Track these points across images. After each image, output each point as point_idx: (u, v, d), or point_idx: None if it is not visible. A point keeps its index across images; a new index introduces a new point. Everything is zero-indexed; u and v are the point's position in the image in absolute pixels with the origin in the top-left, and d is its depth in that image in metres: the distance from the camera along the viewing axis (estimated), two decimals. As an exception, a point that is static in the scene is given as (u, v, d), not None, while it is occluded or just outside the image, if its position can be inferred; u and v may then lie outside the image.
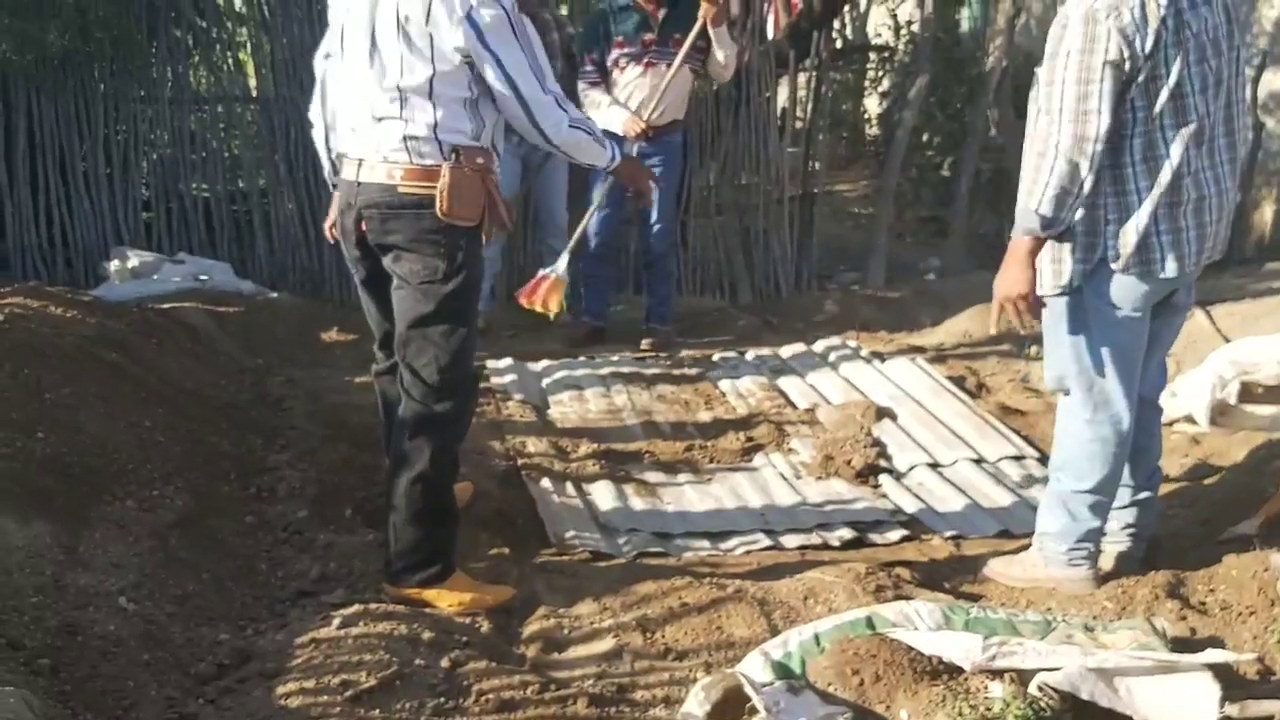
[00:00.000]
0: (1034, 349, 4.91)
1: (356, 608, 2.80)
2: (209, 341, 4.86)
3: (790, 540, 3.52)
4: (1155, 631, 2.54)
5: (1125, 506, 3.18)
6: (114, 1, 5.82)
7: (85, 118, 5.98)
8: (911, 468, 4.07)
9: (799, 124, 7.26)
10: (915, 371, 4.93)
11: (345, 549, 3.23)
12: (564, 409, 4.63)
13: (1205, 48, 2.79)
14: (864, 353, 5.27)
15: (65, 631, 2.49)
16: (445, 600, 2.93)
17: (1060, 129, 2.77)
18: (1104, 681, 2.21)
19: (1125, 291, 2.90)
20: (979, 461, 4.12)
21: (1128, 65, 2.73)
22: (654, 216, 5.43)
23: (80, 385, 3.58)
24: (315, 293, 6.18)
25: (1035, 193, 2.80)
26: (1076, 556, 3.08)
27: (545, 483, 3.81)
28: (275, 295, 5.83)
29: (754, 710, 2.22)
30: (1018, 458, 4.13)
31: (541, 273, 3.92)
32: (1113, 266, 2.87)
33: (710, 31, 4.97)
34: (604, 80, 5.18)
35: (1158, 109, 2.77)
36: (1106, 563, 3.16)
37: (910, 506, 3.77)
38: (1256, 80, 7.42)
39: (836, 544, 3.50)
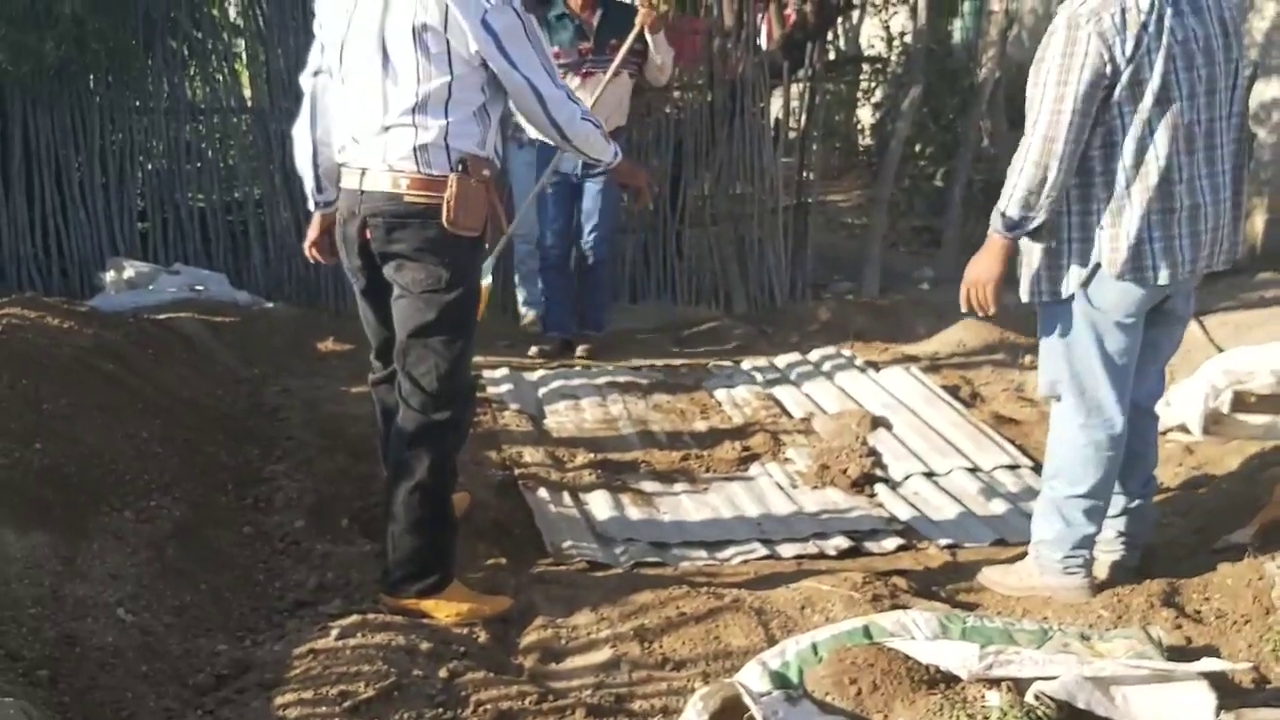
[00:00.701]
0: (1029, 358, 4.93)
1: (354, 618, 2.80)
2: (205, 352, 4.86)
3: (787, 550, 3.53)
4: (1151, 640, 2.56)
5: (1119, 514, 3.20)
6: (110, 13, 5.82)
7: (81, 128, 5.98)
8: (907, 477, 4.09)
9: (793, 134, 7.29)
10: (910, 381, 4.95)
11: (343, 559, 3.23)
12: (560, 418, 4.64)
13: (1194, 55, 2.83)
14: (859, 362, 5.29)
15: (64, 642, 2.49)
16: (443, 610, 2.93)
17: (1033, 132, 2.86)
18: (1100, 690, 2.22)
19: (1118, 298, 2.93)
20: (974, 471, 4.13)
21: (1108, 69, 2.78)
22: (593, 223, 5.43)
23: (77, 396, 3.58)
24: (311, 303, 6.19)
25: (1004, 194, 2.91)
26: (1072, 565, 3.09)
27: (542, 492, 3.82)
28: (271, 305, 5.84)
29: (752, 720, 2.23)
30: (1012, 467, 4.15)
31: None
32: (1108, 272, 2.89)
33: (648, 37, 4.99)
34: None
35: (1145, 114, 2.81)
36: (1101, 571, 3.17)
37: (906, 515, 3.79)
38: (1248, 91, 7.46)
39: (833, 553, 3.52)
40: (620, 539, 3.56)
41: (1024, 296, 3.06)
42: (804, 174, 7.16)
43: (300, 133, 3.10)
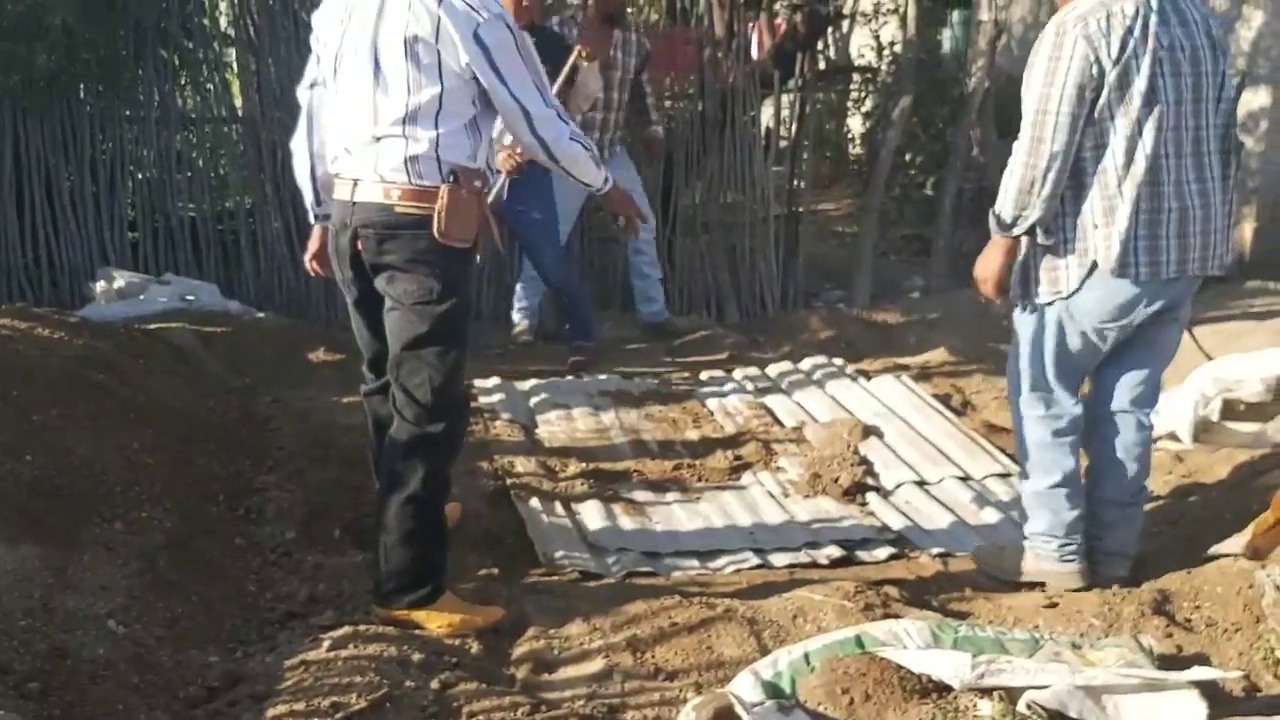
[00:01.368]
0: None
1: (346, 629, 2.80)
2: (196, 362, 4.85)
3: (779, 559, 3.53)
4: (1142, 649, 2.56)
5: (1107, 525, 3.27)
6: (100, 23, 5.81)
7: (71, 138, 5.96)
8: (898, 485, 4.10)
9: (784, 143, 7.31)
10: (901, 389, 4.96)
11: (334, 570, 3.22)
12: (552, 428, 4.63)
13: (1180, 63, 2.92)
14: (850, 371, 5.30)
15: (54, 655, 2.48)
16: (435, 621, 2.93)
17: (1024, 134, 2.96)
18: (1091, 699, 2.23)
19: (1104, 298, 3.02)
20: (965, 479, 4.14)
21: (1094, 70, 2.87)
22: (532, 259, 5.54)
23: (68, 407, 3.57)
24: (302, 313, 6.18)
25: (1000, 195, 3.03)
26: (1067, 552, 3.23)
27: (534, 502, 3.82)
28: (262, 315, 5.82)
29: (745, 730, 2.23)
30: (1004, 475, 4.16)
31: None
32: (1105, 269, 2.98)
33: (582, 65, 5.01)
34: None
35: (1133, 115, 2.91)
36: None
37: (897, 524, 3.79)
38: (1235, 101, 7.51)
39: (825, 562, 3.52)
40: (613, 549, 3.56)
41: (1018, 297, 3.16)
42: (795, 183, 7.17)
43: (298, 146, 3.11)
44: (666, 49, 7.00)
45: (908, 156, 8.39)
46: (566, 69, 4.90)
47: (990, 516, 3.85)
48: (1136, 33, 2.87)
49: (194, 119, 6.40)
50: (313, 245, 3.26)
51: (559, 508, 3.82)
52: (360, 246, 2.91)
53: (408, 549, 2.92)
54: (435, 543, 2.99)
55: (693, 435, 4.60)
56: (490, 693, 2.58)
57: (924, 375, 5.26)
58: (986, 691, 2.28)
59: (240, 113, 6.48)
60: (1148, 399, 3.27)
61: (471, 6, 2.73)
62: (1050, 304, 3.09)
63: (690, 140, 6.70)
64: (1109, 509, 3.27)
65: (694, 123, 6.72)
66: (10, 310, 4.43)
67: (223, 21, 6.64)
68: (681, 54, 6.87)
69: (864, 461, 4.23)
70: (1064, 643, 2.61)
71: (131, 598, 2.84)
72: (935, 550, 3.62)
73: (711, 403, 4.96)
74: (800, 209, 7.08)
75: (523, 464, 4.16)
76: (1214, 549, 3.20)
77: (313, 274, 3.35)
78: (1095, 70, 2.87)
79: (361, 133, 2.85)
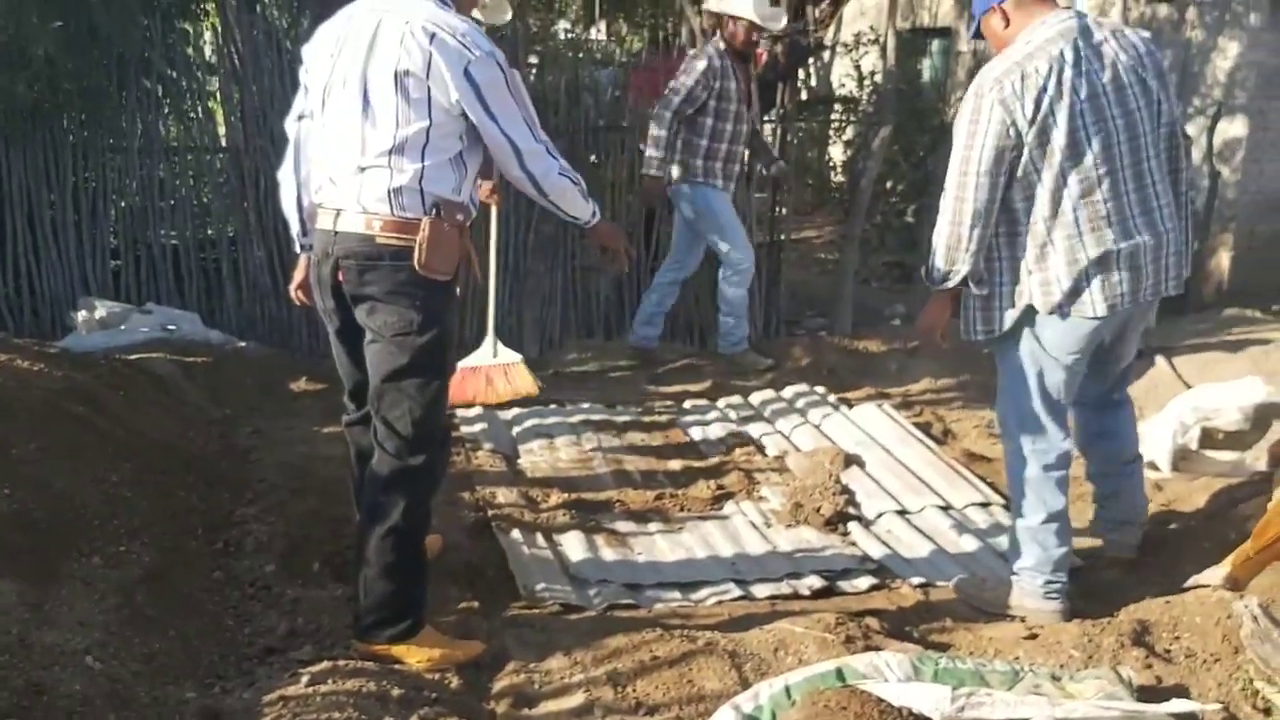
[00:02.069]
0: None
1: (325, 665, 2.77)
2: (177, 392, 4.83)
3: (761, 590, 3.53)
4: (1121, 680, 2.57)
5: (1108, 498, 3.59)
6: (84, 54, 5.83)
7: (54, 168, 5.96)
8: (880, 515, 4.10)
9: (765, 171, 7.35)
10: (882, 418, 4.97)
11: (314, 604, 3.21)
12: (534, 458, 4.63)
13: (1104, 108, 3.04)
14: (832, 399, 5.31)
15: (31, 691, 2.46)
16: (415, 656, 2.91)
17: (946, 194, 3.12)
18: (1071, 732, 2.24)
19: (1064, 334, 3.15)
20: (946, 508, 4.15)
21: (1011, 133, 3.02)
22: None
23: (47, 440, 3.55)
24: (284, 342, 6.17)
25: (931, 253, 3.20)
26: (1052, 590, 3.29)
27: (515, 534, 3.81)
28: (244, 345, 5.81)
29: (725, 765, 2.23)
30: (984, 504, 4.17)
31: (470, 364, 3.70)
32: (1042, 312, 3.12)
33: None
34: None
35: (1055, 168, 3.04)
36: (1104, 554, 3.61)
37: (879, 554, 3.80)
38: (1212, 129, 7.61)
39: (807, 593, 3.52)
40: (594, 581, 3.55)
41: (962, 334, 3.31)
42: (777, 211, 7.22)
43: (285, 177, 3.12)
44: (649, 78, 7.05)
45: (889, 184, 8.47)
46: None
47: (970, 545, 3.85)
48: (1051, 90, 2.99)
49: (176, 148, 6.39)
50: (298, 275, 3.27)
51: (540, 539, 3.81)
52: (342, 277, 2.91)
53: (387, 583, 2.91)
54: (415, 576, 2.98)
55: (675, 464, 4.61)
56: (470, 728, 2.57)
57: (905, 403, 5.28)
58: (966, 725, 2.28)
59: (224, 142, 6.48)
60: (1120, 385, 3.53)
61: (463, 44, 2.75)
62: (1018, 342, 3.20)
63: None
64: (1108, 481, 3.54)
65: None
66: (-10, 341, 4.41)
67: (207, 50, 6.66)
68: (664, 83, 6.92)
69: (846, 491, 4.24)
70: (1044, 674, 2.62)
71: (109, 633, 2.82)
72: (916, 580, 3.62)
73: (694, 431, 4.97)
74: (782, 237, 7.12)
75: (504, 495, 4.15)
76: (1193, 580, 3.21)
77: (297, 303, 3.35)
78: (1012, 132, 3.01)
79: (347, 163, 2.86)
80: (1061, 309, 3.10)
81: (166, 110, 6.43)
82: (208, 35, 6.62)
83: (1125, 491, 3.58)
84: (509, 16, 4.57)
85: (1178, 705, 2.39)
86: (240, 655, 2.99)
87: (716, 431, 4.95)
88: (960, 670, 2.58)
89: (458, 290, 2.98)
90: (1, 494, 3.15)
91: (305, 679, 2.68)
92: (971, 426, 5.00)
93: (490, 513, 3.99)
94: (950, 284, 3.18)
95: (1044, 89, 2.98)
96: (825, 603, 3.45)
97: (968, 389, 5.36)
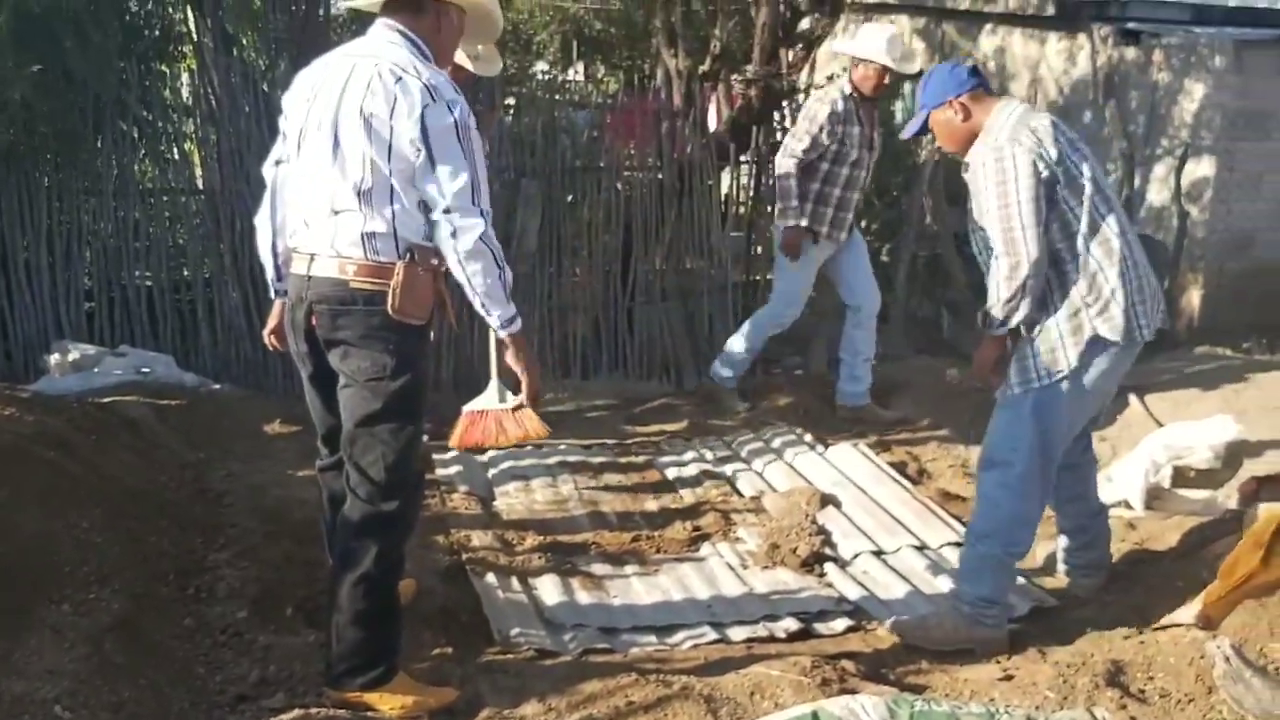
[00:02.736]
0: (973, 434, 4.98)
1: (297, 712, 2.74)
2: (150, 436, 4.79)
3: (737, 633, 3.52)
4: (1095, 722, 2.57)
5: (1090, 541, 3.74)
6: (59, 96, 5.82)
7: (28, 210, 5.93)
8: (856, 555, 4.11)
9: (741, 211, 7.41)
10: (857, 458, 4.98)
11: (286, 650, 3.17)
12: (510, 500, 4.62)
13: (1088, 156, 3.29)
14: (808, 438, 5.32)
15: (-4, 744, 2.43)
16: (387, 704, 2.89)
17: (999, 257, 3.21)
18: (1045, 776, 2.23)
19: (1110, 366, 3.28)
20: (921, 548, 4.16)
21: (1045, 171, 3.16)
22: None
23: (17, 485, 3.51)
24: (259, 384, 6.13)
25: (989, 301, 3.30)
26: (1003, 619, 3.41)
27: (490, 578, 3.79)
28: (218, 387, 5.77)
29: (700, 813, 2.21)
30: (959, 544, 4.16)
31: (477, 408, 3.66)
32: (1111, 341, 3.23)
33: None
34: None
35: (1089, 200, 3.20)
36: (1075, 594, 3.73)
37: (855, 595, 3.80)
38: (1179, 170, 7.71)
39: (783, 635, 3.52)
40: (569, 625, 3.53)
41: (1016, 386, 3.34)
42: (753, 249, 7.26)
43: (261, 222, 3.12)
44: (625, 120, 7.11)
45: (863, 224, 8.51)
46: None
47: (945, 585, 3.85)
48: (1061, 139, 3.21)
49: (152, 189, 6.38)
50: (272, 321, 3.26)
51: (515, 583, 3.79)
52: (315, 321, 2.91)
53: (360, 630, 2.88)
54: (388, 623, 2.95)
55: (652, 506, 4.60)
56: (443, 777, 2.55)
57: (880, 443, 5.29)
58: (941, 770, 2.28)
59: (200, 184, 6.47)
60: (1089, 441, 3.71)
61: (427, 87, 2.76)
62: (1058, 384, 3.28)
63: (649, 208, 6.78)
64: (1081, 534, 3.72)
65: (653, 191, 6.81)
66: (-40, 386, 4.37)
67: (184, 92, 6.66)
68: (640, 124, 6.98)
69: (822, 531, 4.25)
70: (1019, 716, 2.62)
71: (79, 682, 2.77)
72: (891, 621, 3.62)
73: (670, 472, 4.97)
74: (758, 276, 7.16)
75: (479, 538, 4.13)
76: (1166, 619, 3.23)
77: (271, 349, 3.34)
78: (1046, 171, 3.16)
79: (320, 207, 2.86)
80: (1124, 335, 3.22)
81: (142, 152, 6.42)
82: (185, 77, 6.62)
83: (1097, 539, 3.76)
84: (500, 68, 4.59)
85: (1151, 747, 2.39)
86: (211, 703, 2.96)
87: (693, 471, 4.95)
88: (936, 713, 2.58)
89: (431, 335, 2.97)
90: (-30, 541, 3.11)
91: (276, 728, 2.66)
92: (946, 465, 5.02)
93: (465, 556, 3.97)
94: (1007, 328, 3.31)
95: (1055, 138, 3.20)
96: (801, 645, 3.45)
97: (943, 427, 5.38)
